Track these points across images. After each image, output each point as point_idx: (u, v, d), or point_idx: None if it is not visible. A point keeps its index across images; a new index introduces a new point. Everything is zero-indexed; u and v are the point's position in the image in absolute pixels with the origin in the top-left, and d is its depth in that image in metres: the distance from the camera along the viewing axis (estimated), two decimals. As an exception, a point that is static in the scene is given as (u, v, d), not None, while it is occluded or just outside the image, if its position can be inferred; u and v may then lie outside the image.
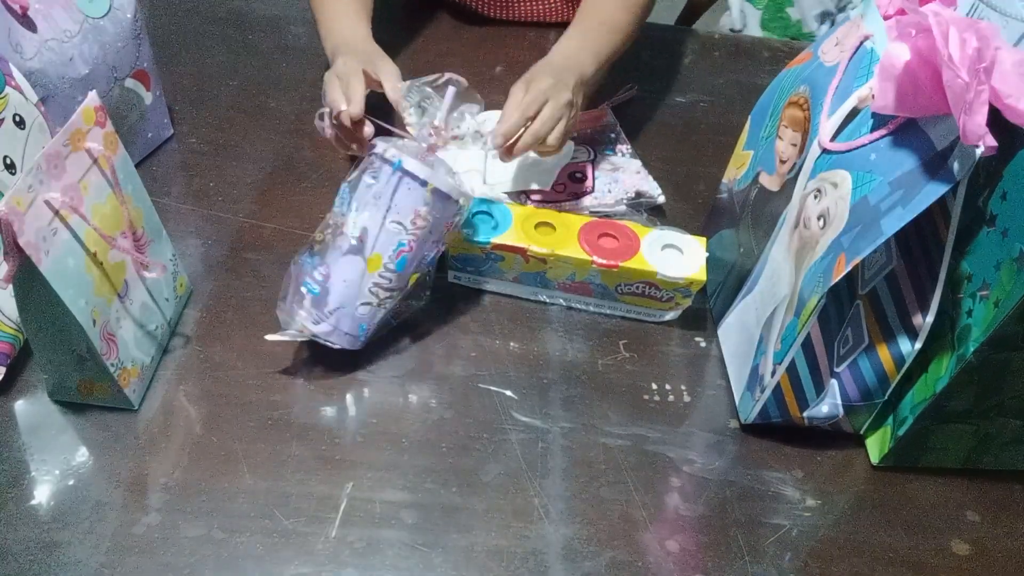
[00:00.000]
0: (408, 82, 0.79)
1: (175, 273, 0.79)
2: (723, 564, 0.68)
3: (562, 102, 0.81)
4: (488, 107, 0.79)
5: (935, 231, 0.67)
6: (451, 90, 0.75)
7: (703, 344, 0.85)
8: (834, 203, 0.66)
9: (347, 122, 0.80)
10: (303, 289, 0.74)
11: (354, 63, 0.83)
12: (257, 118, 1.04)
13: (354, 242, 0.72)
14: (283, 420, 0.74)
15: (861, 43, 0.69)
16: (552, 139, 0.81)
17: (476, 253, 0.83)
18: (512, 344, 0.83)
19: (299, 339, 0.75)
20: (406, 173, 0.72)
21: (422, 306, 0.81)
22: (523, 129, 0.79)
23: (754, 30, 1.51)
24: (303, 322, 0.74)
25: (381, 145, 0.73)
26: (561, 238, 0.83)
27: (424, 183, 0.72)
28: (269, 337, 0.74)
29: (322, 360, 0.79)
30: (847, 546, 0.71)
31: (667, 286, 0.83)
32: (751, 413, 0.76)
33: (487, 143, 0.79)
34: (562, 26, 0.96)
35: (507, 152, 0.80)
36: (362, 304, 0.75)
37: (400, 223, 0.73)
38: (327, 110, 0.81)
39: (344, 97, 0.80)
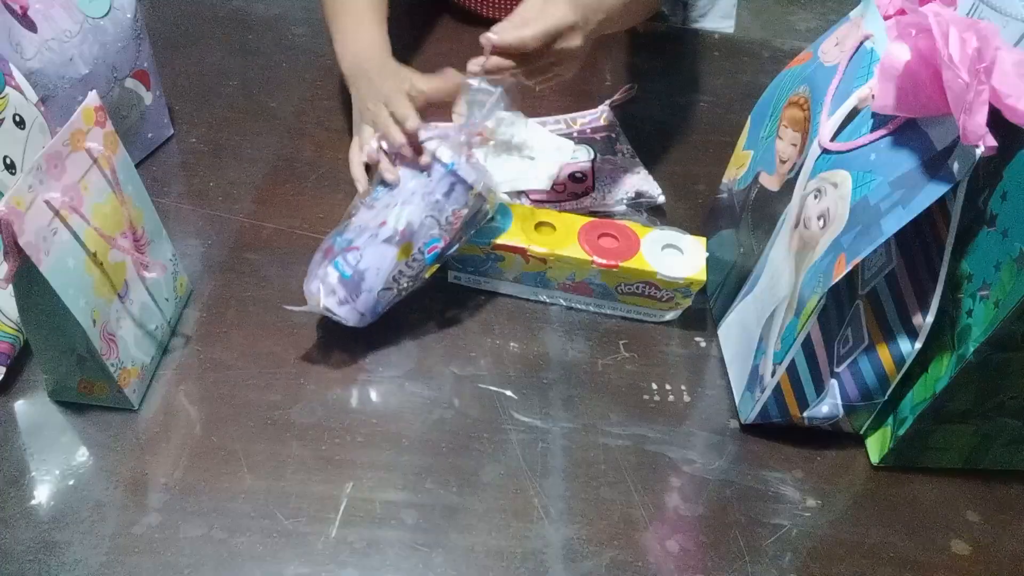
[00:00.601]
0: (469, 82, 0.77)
1: (175, 273, 0.79)
2: (723, 564, 0.68)
3: (571, 52, 0.77)
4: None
5: (935, 231, 0.67)
6: (499, 90, 0.75)
7: (703, 344, 0.85)
8: (834, 203, 0.66)
9: (410, 136, 0.76)
10: (333, 268, 0.75)
11: (382, 109, 0.79)
12: (257, 118, 1.04)
13: (396, 236, 0.74)
14: (283, 420, 0.74)
15: (861, 43, 0.69)
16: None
17: (476, 253, 0.83)
18: (512, 344, 0.83)
19: (315, 312, 0.77)
20: (457, 177, 0.74)
21: (423, 286, 0.82)
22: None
23: None
24: (326, 301, 0.75)
25: (432, 142, 0.74)
26: (561, 238, 0.83)
27: (471, 187, 0.74)
28: (288, 307, 0.76)
29: (323, 360, 0.79)
30: (847, 546, 0.71)
31: (667, 286, 0.83)
32: (751, 413, 0.76)
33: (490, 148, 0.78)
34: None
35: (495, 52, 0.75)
36: (383, 289, 0.76)
37: (438, 220, 0.75)
38: (376, 145, 0.77)
39: (403, 115, 0.76)
